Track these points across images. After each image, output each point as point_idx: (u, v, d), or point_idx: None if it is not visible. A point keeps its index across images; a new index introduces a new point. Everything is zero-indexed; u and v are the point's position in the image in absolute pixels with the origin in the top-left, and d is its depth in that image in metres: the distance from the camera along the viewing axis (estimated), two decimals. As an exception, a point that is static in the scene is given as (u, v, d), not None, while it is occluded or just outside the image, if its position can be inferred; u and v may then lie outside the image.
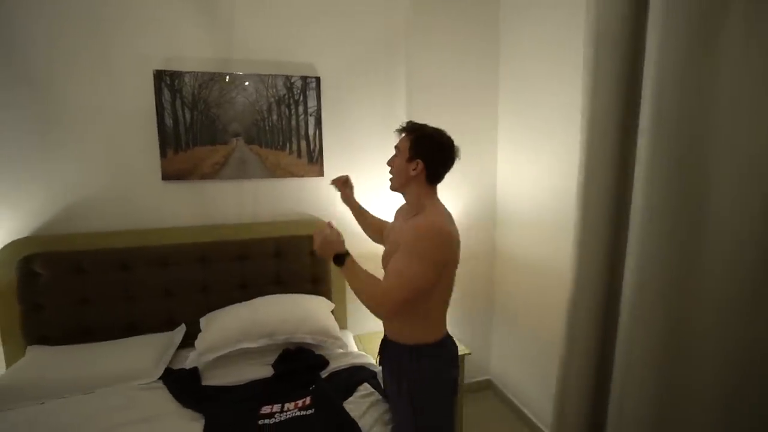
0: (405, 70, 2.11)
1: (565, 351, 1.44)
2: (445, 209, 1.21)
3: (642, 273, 1.15)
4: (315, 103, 1.97)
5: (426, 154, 1.16)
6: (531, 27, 1.99)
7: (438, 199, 1.22)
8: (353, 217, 1.67)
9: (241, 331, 1.57)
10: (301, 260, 1.97)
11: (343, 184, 1.60)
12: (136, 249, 1.78)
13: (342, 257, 1.15)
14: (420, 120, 2.09)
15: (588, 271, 1.34)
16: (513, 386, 2.30)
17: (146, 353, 1.58)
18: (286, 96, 1.94)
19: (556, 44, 1.82)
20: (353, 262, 1.15)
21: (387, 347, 1.29)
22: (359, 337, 2.07)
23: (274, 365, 1.56)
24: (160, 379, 1.48)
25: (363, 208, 1.62)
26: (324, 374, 1.54)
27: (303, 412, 1.31)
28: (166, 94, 1.78)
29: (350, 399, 1.40)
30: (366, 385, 1.48)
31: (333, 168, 2.04)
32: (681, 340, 1.11)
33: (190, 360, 1.52)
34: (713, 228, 1.04)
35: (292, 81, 1.93)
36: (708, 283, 1.05)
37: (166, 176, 1.82)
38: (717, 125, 1.01)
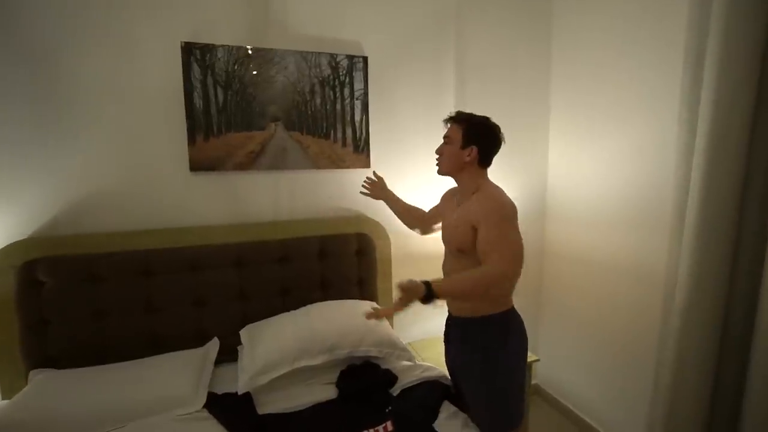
0: (454, 53, 1.93)
1: (672, 366, 1.29)
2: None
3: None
4: (362, 85, 1.76)
5: (479, 140, 1.23)
6: (587, 11, 1.85)
7: (489, 179, 1.29)
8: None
9: (298, 347, 1.34)
10: (348, 261, 1.75)
11: (374, 185, 1.66)
12: (159, 251, 1.51)
13: (429, 294, 1.09)
14: (470, 106, 1.97)
15: (706, 278, 1.20)
16: (566, 392, 2.16)
17: (181, 375, 1.32)
18: (331, 77, 1.72)
19: (616, 29, 1.69)
20: (439, 285, 1.10)
21: (456, 324, 1.33)
22: (411, 344, 1.87)
23: (338, 384, 1.34)
24: (204, 407, 1.23)
25: (395, 197, 1.64)
26: (395, 392, 1.34)
27: (388, 441, 1.11)
28: (196, 71, 1.53)
29: (436, 422, 1.20)
30: (447, 404, 1.29)
31: (380, 158, 1.84)
32: None
33: (241, 383, 1.28)
34: None
35: (338, 60, 1.72)
36: None
37: (195, 167, 1.57)
38: None
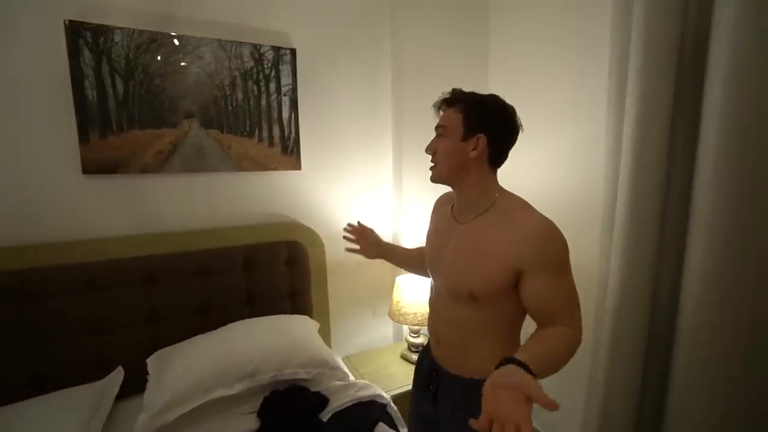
0: (390, 50, 1.84)
1: (605, 369, 1.29)
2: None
3: (709, 277, 1.03)
4: (290, 80, 1.62)
5: (488, 126, 0.86)
6: (521, 18, 1.85)
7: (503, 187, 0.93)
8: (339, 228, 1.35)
9: (212, 375, 1.17)
10: (277, 271, 1.60)
11: (362, 236, 1.22)
12: (46, 270, 1.27)
13: (527, 371, 0.68)
14: (406, 105, 1.89)
15: (636, 277, 1.20)
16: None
17: (66, 419, 1.10)
18: (255, 69, 1.56)
19: (554, 27, 1.69)
20: (534, 364, 0.69)
21: (452, 384, 0.93)
22: (348, 358, 1.76)
23: (260, 414, 1.19)
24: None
25: (393, 247, 1.26)
26: (326, 416, 1.22)
27: (313, 477, 0.99)
28: (87, 56, 1.31)
29: (369, 448, 1.10)
30: (382, 425, 1.20)
31: (312, 160, 1.70)
32: (755, 351, 1.01)
33: (139, 425, 1.09)
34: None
35: (262, 51, 1.56)
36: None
37: (89, 169, 1.34)
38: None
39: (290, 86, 1.62)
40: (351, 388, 1.33)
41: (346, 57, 1.74)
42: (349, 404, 1.26)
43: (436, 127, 0.93)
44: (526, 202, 0.90)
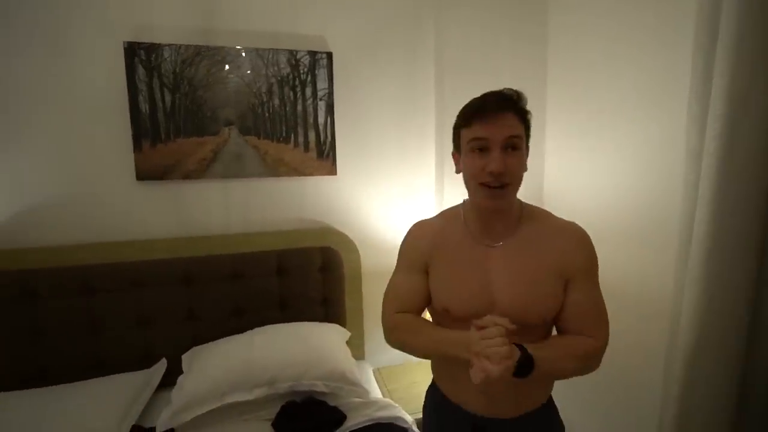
0: (434, 48, 1.72)
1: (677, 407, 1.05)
2: None
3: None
4: (326, 84, 1.60)
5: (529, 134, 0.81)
6: (585, 12, 1.59)
7: None
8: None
9: (231, 380, 1.20)
10: (310, 278, 1.59)
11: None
12: (102, 267, 1.41)
13: (527, 362, 0.70)
14: (450, 108, 1.75)
15: (717, 311, 0.95)
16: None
17: (111, 404, 1.21)
18: (291, 75, 1.57)
19: (619, 21, 1.43)
20: (538, 354, 0.72)
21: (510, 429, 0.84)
22: (380, 371, 1.69)
23: (275, 424, 1.18)
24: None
25: None
26: (341, 434, 1.17)
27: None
28: (141, 73, 1.42)
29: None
30: (397, 452, 1.11)
31: (347, 165, 1.67)
32: None
33: (162, 419, 1.15)
34: None
35: (298, 57, 1.56)
36: None
37: (141, 175, 1.46)
38: None
39: (326, 90, 1.60)
40: (370, 407, 1.26)
41: (385, 57, 1.67)
42: (365, 424, 1.19)
43: (509, 137, 0.75)
44: (542, 208, 0.88)
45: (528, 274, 0.78)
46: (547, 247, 0.79)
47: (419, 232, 0.90)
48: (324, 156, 1.64)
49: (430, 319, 0.93)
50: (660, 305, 1.31)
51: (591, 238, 0.84)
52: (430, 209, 1.80)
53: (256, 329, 1.42)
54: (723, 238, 0.94)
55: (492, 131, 0.74)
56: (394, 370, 1.70)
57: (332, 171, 1.65)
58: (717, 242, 0.95)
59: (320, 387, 1.24)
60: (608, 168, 1.54)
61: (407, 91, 1.71)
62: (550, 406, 0.88)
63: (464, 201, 0.89)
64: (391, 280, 0.93)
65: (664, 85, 1.28)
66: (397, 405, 1.29)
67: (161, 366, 1.43)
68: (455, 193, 1.74)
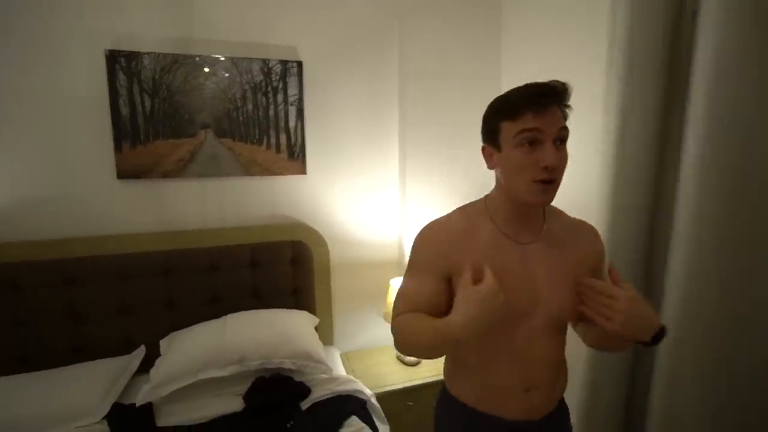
0: (397, 57, 1.89)
1: (589, 383, 1.23)
2: None
3: (690, 287, 0.95)
4: (297, 91, 1.74)
5: None
6: (535, 16, 1.78)
7: None
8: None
9: (205, 358, 1.32)
10: (282, 270, 1.73)
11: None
12: (84, 259, 1.51)
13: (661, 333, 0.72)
14: (410, 115, 1.92)
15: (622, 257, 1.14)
16: None
17: (92, 385, 1.31)
18: (263, 82, 1.70)
19: (566, 35, 1.62)
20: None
21: (554, 425, 0.86)
22: (347, 355, 1.84)
23: (246, 397, 1.31)
24: (105, 418, 1.22)
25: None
26: (305, 405, 1.31)
27: (279, 458, 1.08)
28: (122, 79, 1.53)
29: (336, 438, 1.17)
30: (354, 418, 1.26)
31: (316, 165, 1.81)
32: (733, 359, 0.92)
33: (142, 394, 1.27)
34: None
35: (270, 65, 1.70)
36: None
37: (122, 174, 1.57)
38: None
39: (297, 96, 1.74)
40: (333, 382, 1.40)
41: (352, 66, 1.82)
42: (328, 396, 1.33)
43: (561, 129, 0.71)
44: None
45: (565, 271, 0.78)
46: (575, 243, 0.81)
47: (441, 235, 0.80)
48: (294, 157, 1.77)
49: None
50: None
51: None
52: (394, 205, 1.96)
53: (230, 315, 1.54)
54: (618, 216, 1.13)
55: (546, 123, 0.69)
56: (360, 354, 1.85)
57: (302, 171, 1.78)
58: (615, 219, 1.13)
59: (288, 364, 1.38)
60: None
61: (373, 97, 1.86)
62: (564, 402, 0.89)
63: (487, 197, 0.84)
64: (403, 285, 0.84)
65: (586, 102, 1.47)
66: (358, 381, 1.44)
67: (140, 352, 1.53)
68: (417, 189, 1.91)
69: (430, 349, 0.76)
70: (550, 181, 0.71)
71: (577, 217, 0.88)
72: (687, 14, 0.98)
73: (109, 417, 1.22)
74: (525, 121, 0.70)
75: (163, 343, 1.48)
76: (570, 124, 0.74)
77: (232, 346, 1.36)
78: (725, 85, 0.87)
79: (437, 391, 1.58)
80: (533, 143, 0.70)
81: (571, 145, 0.75)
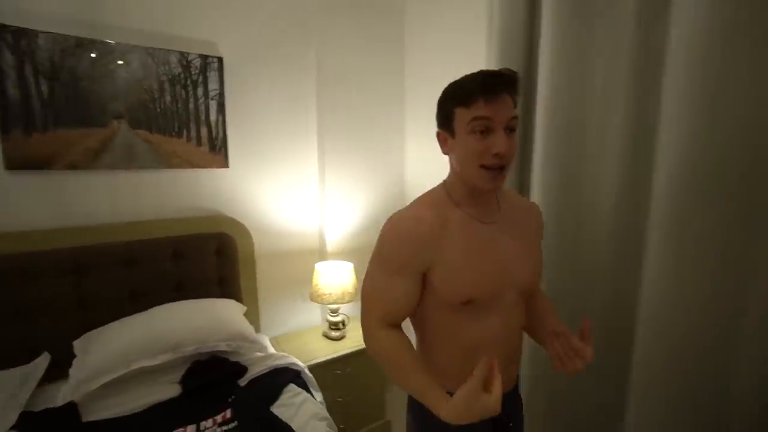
0: (315, 58, 2.05)
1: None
2: None
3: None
4: (217, 86, 1.77)
5: None
6: (434, 30, 2.13)
7: None
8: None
9: (136, 348, 1.31)
10: (206, 261, 1.75)
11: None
12: (-33, 260, 1.34)
13: None
14: (328, 112, 2.10)
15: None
16: None
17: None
18: (182, 75, 1.70)
19: (457, 46, 1.98)
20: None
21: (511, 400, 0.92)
22: (276, 339, 1.95)
23: (182, 381, 1.35)
24: (13, 428, 1.13)
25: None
26: (243, 382, 1.41)
27: (225, 427, 1.18)
28: (8, 58, 1.38)
29: (277, 403, 1.31)
30: (292, 386, 1.41)
31: (238, 159, 1.87)
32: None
33: (62, 394, 1.21)
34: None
35: (189, 59, 1.70)
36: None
37: (13, 164, 1.42)
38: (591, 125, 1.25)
39: (218, 91, 1.77)
40: (269, 359, 1.52)
41: (272, 65, 1.92)
42: (265, 371, 1.45)
43: (511, 119, 0.74)
44: None
45: (527, 245, 0.84)
46: (527, 219, 0.88)
47: (417, 232, 0.78)
48: (216, 150, 1.80)
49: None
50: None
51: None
52: (314, 197, 2.12)
53: (156, 307, 1.52)
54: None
55: (496, 112, 0.72)
56: (287, 337, 1.98)
57: (224, 164, 1.83)
58: None
59: (223, 347, 1.45)
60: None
61: (293, 95, 1.99)
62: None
63: (445, 183, 0.85)
64: (374, 282, 0.82)
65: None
66: (291, 356, 1.58)
67: (44, 359, 1.41)
68: (335, 182, 2.11)
69: (403, 387, 0.76)
70: (501, 167, 0.74)
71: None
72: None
73: (20, 426, 1.13)
74: (477, 109, 0.72)
75: (77, 344, 1.40)
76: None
77: (165, 334, 1.37)
78: (560, 93, 1.25)
79: (361, 359, 1.83)
80: (484, 131, 0.73)
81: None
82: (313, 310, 2.18)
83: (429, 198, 0.85)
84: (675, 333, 1.03)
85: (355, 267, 1.97)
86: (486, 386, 0.66)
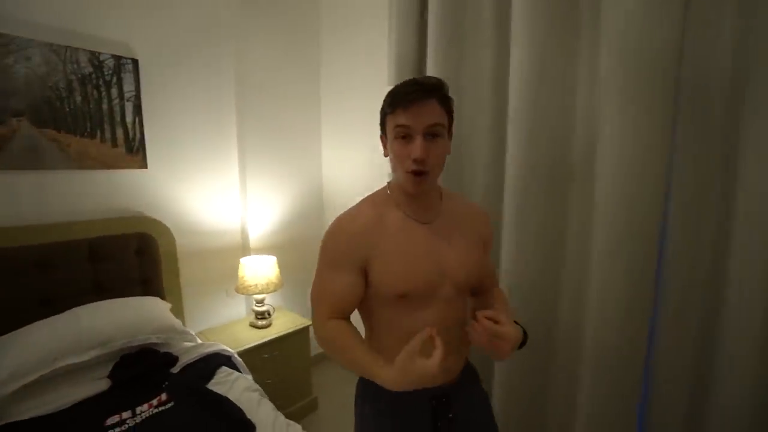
0: (234, 64, 2.14)
1: None
2: None
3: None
4: (133, 87, 1.78)
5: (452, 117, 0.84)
6: (347, 40, 2.37)
7: None
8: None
9: (61, 346, 1.33)
10: (127, 261, 1.77)
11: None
12: None
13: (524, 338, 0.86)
14: (248, 116, 2.22)
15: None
16: None
17: None
18: (94, 75, 1.68)
19: (365, 60, 2.25)
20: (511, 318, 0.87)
21: (466, 382, 0.96)
22: (203, 333, 2.03)
23: (111, 375, 1.41)
24: None
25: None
26: (175, 370, 1.50)
27: (162, 408, 1.29)
28: None
29: (212, 382, 1.45)
30: (224, 368, 1.55)
31: (158, 160, 1.90)
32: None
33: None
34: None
35: (101, 59, 1.69)
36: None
37: None
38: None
39: (134, 93, 1.79)
40: (199, 347, 1.63)
41: (190, 67, 1.98)
42: (196, 358, 1.57)
43: (430, 126, 0.78)
44: (446, 188, 0.96)
45: (465, 246, 0.88)
46: (470, 222, 0.92)
47: (354, 228, 0.84)
48: (134, 151, 1.82)
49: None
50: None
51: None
52: (235, 196, 2.22)
53: (78, 307, 1.52)
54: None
55: (414, 119, 0.76)
56: (214, 330, 2.07)
57: (143, 165, 1.85)
58: None
59: (153, 339, 1.52)
60: (369, 162, 2.36)
61: (213, 99, 2.08)
62: (470, 363, 0.98)
63: (389, 184, 0.91)
64: (319, 279, 0.88)
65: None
66: (221, 344, 1.71)
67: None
68: (256, 182, 2.24)
69: (349, 367, 0.80)
70: (420, 172, 0.78)
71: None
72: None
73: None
74: (398, 117, 0.78)
75: (-14, 350, 1.35)
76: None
77: (92, 331, 1.40)
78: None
79: (287, 343, 2.02)
80: (406, 137, 0.78)
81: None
82: (238, 304, 2.29)
83: (372, 198, 0.91)
84: (521, 297, 1.42)
85: (278, 260, 2.14)
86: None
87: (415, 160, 0.77)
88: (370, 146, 2.28)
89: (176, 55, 1.92)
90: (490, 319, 0.80)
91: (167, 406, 1.29)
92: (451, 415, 0.88)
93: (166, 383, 1.41)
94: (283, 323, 2.12)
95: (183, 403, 1.30)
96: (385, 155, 0.86)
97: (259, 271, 2.01)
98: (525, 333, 0.85)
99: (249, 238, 2.27)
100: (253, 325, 2.08)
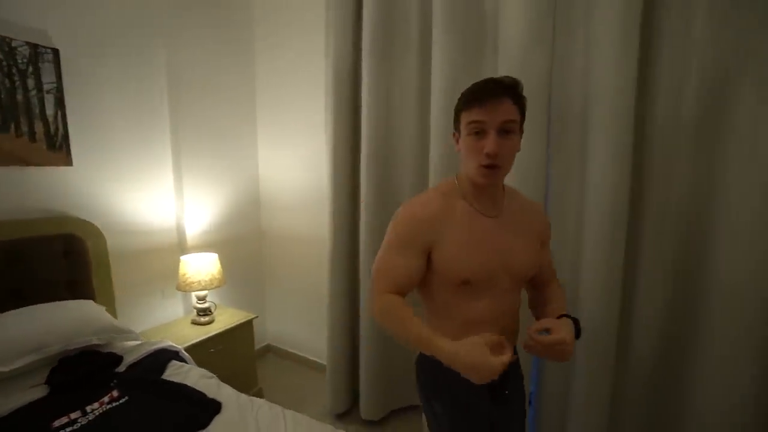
0: (165, 57, 2.10)
1: (330, 298, 2.05)
2: None
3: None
4: (54, 79, 1.67)
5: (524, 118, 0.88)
6: (280, 43, 2.44)
7: None
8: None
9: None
10: (52, 264, 1.66)
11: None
12: None
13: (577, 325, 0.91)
14: (183, 112, 2.19)
15: (340, 235, 2.00)
16: (291, 342, 2.74)
17: None
18: (5, 63, 1.55)
19: (300, 59, 2.34)
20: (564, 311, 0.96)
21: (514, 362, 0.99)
22: (143, 333, 1.96)
23: (49, 381, 1.35)
24: None
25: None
26: (122, 369, 1.48)
27: (115, 404, 1.29)
28: None
29: (164, 374, 1.46)
30: (174, 361, 1.57)
31: (85, 157, 1.81)
32: None
33: None
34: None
35: (14, 46, 1.57)
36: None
37: None
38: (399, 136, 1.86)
39: (54, 85, 1.68)
40: (144, 345, 1.61)
41: (120, 64, 1.90)
42: (144, 355, 1.55)
43: (503, 122, 0.82)
44: (509, 185, 1.01)
45: (524, 242, 0.94)
46: (530, 218, 0.98)
47: (426, 214, 0.90)
48: (56, 147, 1.71)
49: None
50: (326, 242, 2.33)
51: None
52: (169, 195, 2.17)
53: (0, 314, 1.41)
54: (338, 202, 2.00)
55: (489, 115, 0.81)
56: (154, 330, 2.02)
57: (68, 162, 1.74)
58: (336, 204, 2.00)
59: (95, 341, 1.47)
60: (301, 160, 2.47)
61: (142, 90, 2.00)
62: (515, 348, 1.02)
63: (458, 176, 0.96)
64: (384, 258, 0.92)
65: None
66: (167, 340, 1.70)
67: None
68: (192, 179, 2.23)
69: (406, 343, 0.84)
70: (492, 166, 0.83)
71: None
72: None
73: None
74: (471, 113, 0.83)
75: None
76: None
77: (22, 337, 1.32)
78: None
79: (232, 336, 2.07)
80: (479, 133, 0.82)
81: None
82: (175, 304, 2.24)
83: (440, 187, 0.96)
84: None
85: (219, 257, 2.15)
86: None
87: (487, 154, 0.81)
88: (306, 147, 2.41)
89: (102, 47, 1.83)
90: (539, 330, 0.86)
91: (121, 401, 1.30)
92: (507, 392, 0.98)
93: (115, 381, 1.40)
94: (226, 318, 2.14)
95: (137, 396, 1.32)
96: (457, 150, 0.92)
97: (202, 267, 2.02)
98: (577, 323, 0.89)
99: (186, 236, 2.24)
100: (196, 322, 2.08)
